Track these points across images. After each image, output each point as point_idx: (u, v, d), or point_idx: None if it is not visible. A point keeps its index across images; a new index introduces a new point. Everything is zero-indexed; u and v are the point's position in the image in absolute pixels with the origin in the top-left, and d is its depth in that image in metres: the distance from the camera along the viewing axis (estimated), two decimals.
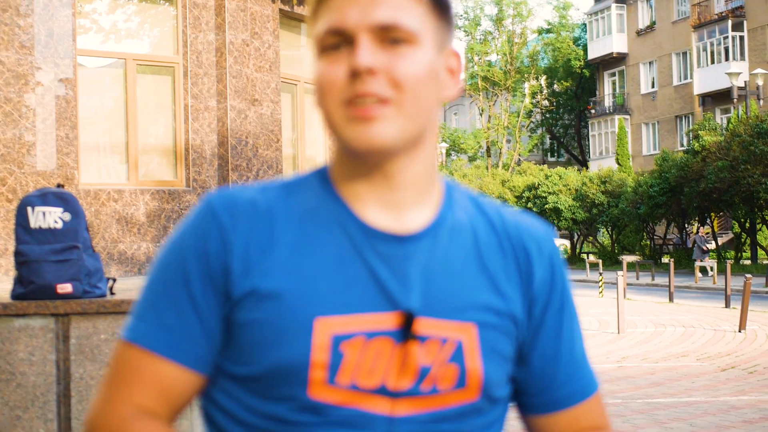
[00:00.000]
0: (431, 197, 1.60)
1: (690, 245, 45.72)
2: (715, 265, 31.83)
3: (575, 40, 67.25)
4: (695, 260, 33.22)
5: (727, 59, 51.21)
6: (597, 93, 63.81)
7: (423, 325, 1.52)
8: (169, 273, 1.54)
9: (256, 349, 1.50)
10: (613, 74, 62.16)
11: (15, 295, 5.44)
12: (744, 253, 42.99)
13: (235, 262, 1.50)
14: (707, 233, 33.76)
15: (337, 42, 1.50)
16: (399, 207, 1.56)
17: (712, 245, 35.43)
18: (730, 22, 51.09)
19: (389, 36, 1.49)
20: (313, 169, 1.64)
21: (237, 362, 1.52)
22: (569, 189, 49.34)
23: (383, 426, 1.50)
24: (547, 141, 73.02)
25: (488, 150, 69.03)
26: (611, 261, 46.76)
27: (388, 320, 1.51)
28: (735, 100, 39.81)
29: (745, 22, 51.06)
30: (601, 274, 29.05)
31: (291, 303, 1.49)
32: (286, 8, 12.23)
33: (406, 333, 1.51)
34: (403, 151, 1.53)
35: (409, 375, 1.51)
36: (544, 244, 1.67)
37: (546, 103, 69.86)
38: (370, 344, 1.49)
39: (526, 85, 68.50)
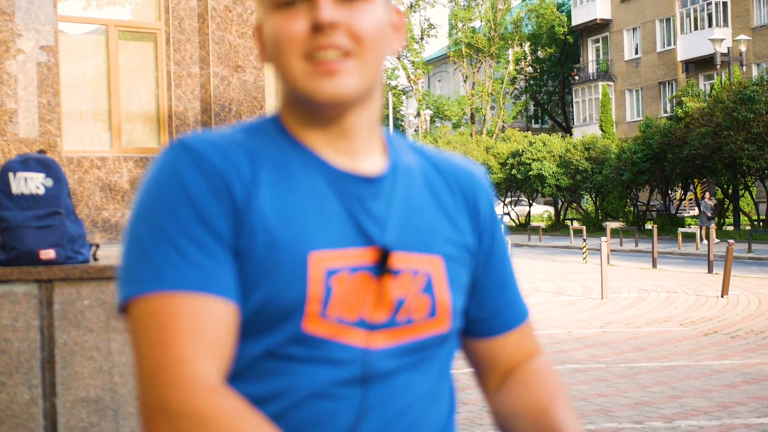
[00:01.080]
0: (377, 144, 1.67)
1: (673, 211, 45.91)
2: (698, 231, 31.93)
3: (559, 6, 67.07)
4: (701, 226, 33.20)
5: (710, 26, 51.19)
6: (581, 59, 63.75)
7: (396, 259, 1.59)
8: (177, 216, 1.49)
9: (254, 284, 1.51)
10: (597, 41, 62.09)
11: None
12: (727, 219, 43.14)
13: (238, 197, 1.52)
14: (711, 200, 33.71)
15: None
16: (353, 153, 1.62)
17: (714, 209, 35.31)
18: None
19: None
20: (259, 117, 1.68)
21: None
22: (553, 156, 49.36)
23: (359, 357, 1.55)
24: (531, 108, 72.98)
25: (472, 117, 68.96)
26: (595, 227, 46.88)
27: (367, 255, 1.57)
28: (718, 66, 39.84)
29: None
30: (585, 240, 29.14)
31: (284, 238, 1.52)
32: None
33: (382, 267, 1.57)
34: (359, 102, 1.59)
35: (385, 307, 1.57)
36: (483, 181, 1.79)
37: (530, 69, 69.75)
38: (353, 278, 1.55)
39: (510, 51, 68.34)
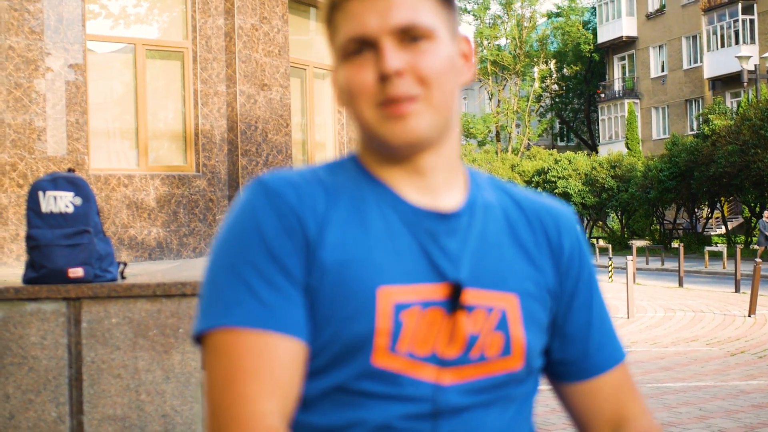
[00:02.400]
0: (459, 180, 1.68)
1: (699, 230, 45.65)
2: (725, 249, 31.75)
3: (585, 24, 67.03)
4: (759, 246, 32.70)
5: (737, 43, 51.01)
6: (606, 77, 63.62)
7: (470, 296, 1.59)
8: (250, 253, 1.53)
9: (324, 319, 1.53)
10: (623, 58, 61.95)
11: (27, 280, 5.46)
12: (754, 238, 42.88)
13: (310, 234, 1.54)
14: None
15: (359, 48, 1.58)
16: (432, 190, 1.64)
17: None
18: (740, 6, 50.87)
19: (409, 35, 1.57)
20: (340, 157, 1.71)
21: None
22: (578, 174, 49.26)
23: (429, 393, 1.56)
24: (557, 125, 72.87)
25: (497, 135, 68.92)
26: (621, 246, 46.72)
27: (439, 291, 1.57)
28: (745, 83, 39.66)
29: (755, 6, 50.83)
30: (610, 258, 29.03)
31: (353, 273, 1.54)
32: None
33: (455, 303, 1.57)
34: (435, 140, 1.61)
35: (458, 343, 1.58)
36: (570, 220, 1.77)
37: (555, 87, 69.69)
38: (425, 314, 1.56)
39: (536, 69, 68.32)
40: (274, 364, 1.49)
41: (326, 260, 1.54)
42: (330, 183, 1.61)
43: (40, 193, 5.49)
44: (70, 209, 5.52)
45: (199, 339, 1.55)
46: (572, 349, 1.76)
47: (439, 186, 1.64)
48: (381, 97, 1.56)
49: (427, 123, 1.57)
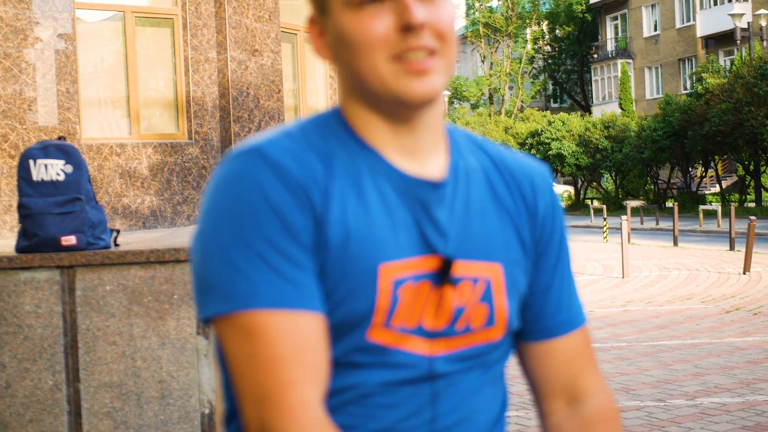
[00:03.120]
0: (441, 141, 1.65)
1: (694, 189, 45.69)
2: (720, 208, 31.80)
3: None
4: None
5: (730, 1, 50.83)
6: (599, 37, 63.44)
7: (457, 268, 1.58)
8: (264, 229, 1.47)
9: (326, 295, 1.50)
10: (615, 18, 61.77)
11: (19, 248, 5.46)
12: (748, 196, 42.95)
13: (317, 208, 1.50)
14: None
15: None
16: (419, 153, 1.60)
17: None
18: None
19: None
20: (319, 113, 1.64)
21: None
22: (572, 135, 49.23)
23: (424, 365, 1.56)
24: (550, 87, 72.74)
25: (491, 97, 68.80)
26: (615, 206, 46.76)
27: (428, 264, 1.56)
28: (738, 41, 39.58)
29: None
30: (605, 219, 29.08)
31: (356, 250, 1.51)
32: None
33: (443, 276, 1.56)
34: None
35: (444, 316, 1.57)
36: (545, 179, 1.75)
37: (548, 48, 69.50)
38: (415, 287, 1.54)
39: (528, 30, 68.10)
40: (310, 346, 1.46)
41: (331, 236, 1.50)
42: (323, 149, 1.56)
43: (31, 162, 5.48)
44: (62, 177, 5.50)
45: (212, 320, 1.49)
46: (531, 308, 1.74)
47: (425, 148, 1.61)
48: (399, 48, 1.50)
49: (442, 80, 1.54)
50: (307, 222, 1.48)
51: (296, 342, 1.44)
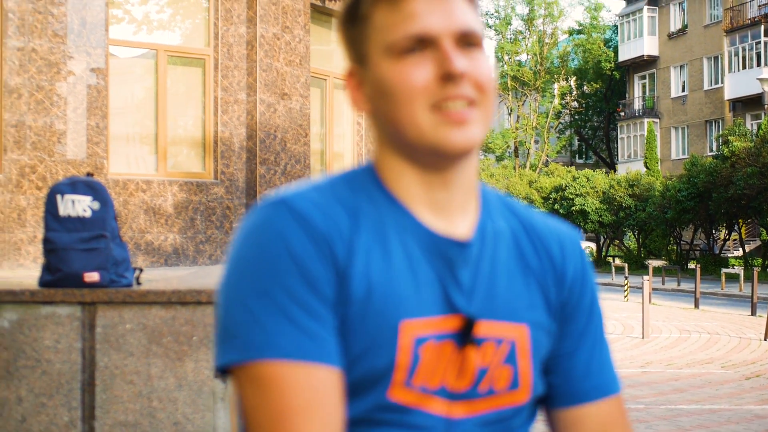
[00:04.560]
0: (472, 201, 1.63)
1: (717, 251, 45.44)
2: (742, 272, 31.61)
3: (606, 42, 66.97)
4: None
5: (759, 65, 50.84)
6: (627, 95, 63.51)
7: (480, 328, 1.56)
8: (284, 279, 1.46)
9: (345, 350, 1.48)
10: (644, 77, 61.84)
11: (42, 283, 5.46)
12: None
13: (340, 262, 1.49)
14: None
15: (414, 46, 1.52)
16: (449, 210, 1.59)
17: None
18: (762, 27, 50.73)
19: (466, 41, 1.53)
20: (353, 168, 1.64)
21: None
22: (596, 191, 49.15)
23: (441, 427, 1.54)
24: (576, 143, 72.76)
25: (516, 150, 68.89)
26: (637, 265, 46.56)
27: (451, 323, 1.54)
28: (766, 105, 39.47)
29: None
30: (626, 278, 28.94)
31: (378, 306, 1.49)
32: (318, 2, 12.23)
33: (466, 336, 1.54)
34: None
35: (467, 377, 1.55)
36: (575, 245, 1.73)
37: (575, 104, 69.61)
38: (437, 346, 1.52)
39: (556, 85, 68.28)
40: (324, 399, 1.44)
41: (353, 290, 1.48)
42: (350, 203, 1.55)
43: (59, 197, 5.49)
44: (88, 213, 5.51)
45: (228, 368, 1.48)
46: (557, 371, 1.71)
47: (456, 206, 1.59)
48: (438, 97, 1.50)
49: (480, 131, 1.53)
50: (329, 274, 1.47)
51: (309, 395, 1.43)
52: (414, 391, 1.51)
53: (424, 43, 1.51)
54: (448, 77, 1.49)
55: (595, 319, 1.73)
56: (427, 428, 1.52)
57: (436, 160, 1.54)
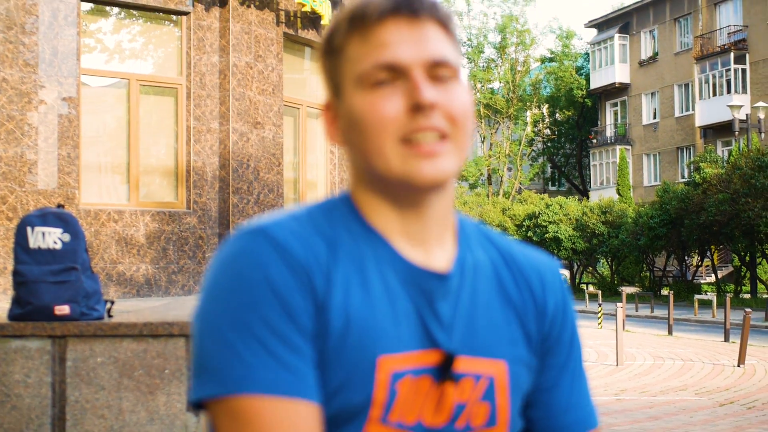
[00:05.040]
0: (449, 231, 1.61)
1: (689, 278, 45.62)
2: (715, 298, 31.72)
3: (578, 70, 67.39)
4: None
5: (729, 92, 51.30)
6: (599, 123, 63.88)
7: (459, 363, 1.53)
8: (263, 310, 1.42)
9: (322, 384, 1.45)
10: (615, 104, 62.25)
11: (12, 316, 5.40)
12: (744, 287, 42.90)
13: (319, 293, 1.46)
14: None
15: (385, 77, 1.49)
16: (426, 241, 1.56)
17: None
18: (732, 55, 51.23)
19: (438, 72, 1.50)
20: (330, 198, 1.61)
21: None
22: (569, 219, 49.32)
23: None
24: (549, 170, 73.06)
25: (489, 178, 69.08)
26: (611, 292, 46.70)
27: (429, 358, 1.51)
28: (736, 132, 39.83)
29: (747, 55, 51.19)
30: (600, 305, 28.99)
31: (355, 340, 1.46)
32: (290, 32, 12.23)
33: (445, 372, 1.51)
34: (440, 186, 1.54)
35: (444, 413, 1.52)
36: (555, 276, 1.71)
37: (548, 132, 69.95)
38: (415, 381, 1.49)
39: (528, 113, 68.59)
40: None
41: (332, 323, 1.46)
42: (328, 233, 1.51)
43: (29, 229, 5.44)
44: (59, 245, 5.46)
45: (203, 402, 1.44)
46: (538, 406, 1.69)
47: (433, 237, 1.56)
48: (408, 128, 1.47)
49: (452, 164, 1.50)
50: (308, 306, 1.43)
51: (286, 429, 1.39)
52: (390, 428, 1.48)
53: (395, 74, 1.49)
54: (417, 108, 1.47)
55: (575, 352, 1.72)
56: None
57: (407, 193, 1.51)
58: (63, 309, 5.41)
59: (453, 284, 1.56)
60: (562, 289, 1.71)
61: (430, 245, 1.56)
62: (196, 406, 1.44)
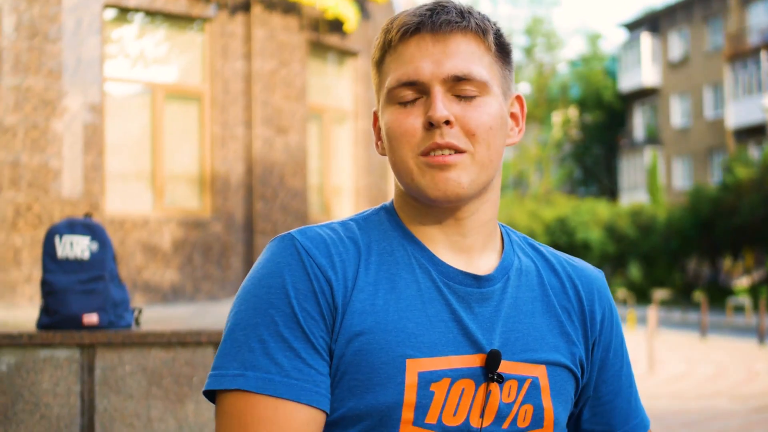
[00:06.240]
0: (495, 241, 1.67)
1: (722, 281, 45.27)
2: (748, 301, 31.44)
3: (607, 71, 67.10)
4: None
5: (760, 91, 50.89)
6: (628, 125, 63.58)
7: (502, 366, 1.58)
8: (274, 313, 1.50)
9: (350, 388, 1.50)
10: (645, 106, 61.93)
11: (40, 325, 5.39)
12: None
13: (337, 300, 1.51)
14: None
15: (409, 92, 1.56)
16: (469, 251, 1.62)
17: None
18: (764, 54, 50.81)
19: (462, 86, 1.55)
20: (376, 207, 1.69)
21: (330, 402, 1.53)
22: (599, 222, 49.07)
23: None
24: (577, 172, 72.79)
25: (517, 181, 68.90)
26: (642, 296, 46.43)
27: (471, 362, 1.55)
28: None
29: None
30: (632, 309, 28.80)
31: (383, 343, 1.50)
32: (314, 37, 12.19)
33: (488, 374, 1.56)
34: (475, 198, 1.59)
35: (490, 414, 1.56)
36: (602, 286, 1.77)
37: (576, 134, 69.68)
38: (455, 385, 1.53)
39: (556, 115, 68.38)
40: (288, 431, 1.45)
41: (354, 327, 1.50)
42: (362, 240, 1.58)
43: (57, 238, 5.43)
44: (86, 255, 5.44)
45: (212, 394, 1.54)
46: (601, 419, 1.75)
47: (475, 247, 1.62)
48: (426, 145, 1.53)
49: (469, 178, 1.54)
50: (321, 311, 1.50)
51: (269, 427, 1.45)
52: (430, 430, 1.52)
53: (419, 90, 1.55)
54: (431, 125, 1.54)
55: (626, 360, 1.78)
56: None
57: (430, 204, 1.59)
58: (91, 318, 5.40)
59: (495, 288, 1.61)
60: (609, 298, 1.77)
61: (473, 254, 1.63)
62: (210, 399, 1.56)
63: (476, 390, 1.55)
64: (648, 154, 58.19)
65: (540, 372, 1.61)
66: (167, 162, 10.87)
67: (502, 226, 1.73)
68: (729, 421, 11.77)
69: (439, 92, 1.53)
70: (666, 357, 19.47)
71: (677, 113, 58.85)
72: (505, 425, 1.57)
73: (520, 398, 1.59)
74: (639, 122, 62.31)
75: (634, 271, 51.97)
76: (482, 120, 1.54)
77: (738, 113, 52.38)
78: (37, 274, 8.00)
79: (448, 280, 1.57)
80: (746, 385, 15.19)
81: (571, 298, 1.69)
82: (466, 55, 1.55)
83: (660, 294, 38.87)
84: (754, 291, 41.93)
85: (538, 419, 1.60)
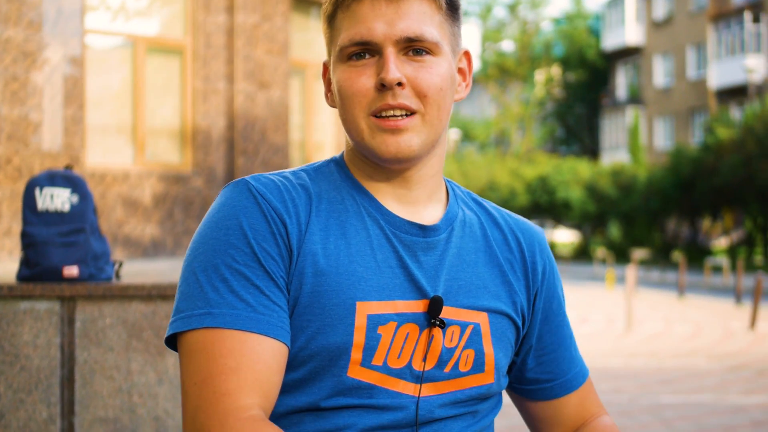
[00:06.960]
0: (440, 194, 1.72)
1: (701, 241, 45.46)
2: (726, 261, 31.63)
3: (590, 30, 66.90)
4: None
5: (743, 52, 50.87)
6: (610, 84, 63.52)
7: (444, 312, 1.64)
8: (234, 254, 1.53)
9: (301, 329, 1.56)
10: (628, 65, 61.85)
11: (21, 277, 5.38)
12: (756, 249, 42.73)
13: (293, 240, 1.56)
14: None
15: (361, 51, 1.58)
16: (415, 203, 1.68)
17: None
18: (748, 15, 50.75)
19: (413, 47, 1.59)
20: (326, 160, 1.73)
21: None
22: (580, 181, 49.14)
23: (411, 406, 1.60)
24: (559, 131, 72.73)
25: (499, 139, 68.84)
26: (621, 255, 46.62)
27: (416, 307, 1.62)
28: (751, 94, 39.56)
29: (762, 16, 50.72)
30: (610, 267, 28.93)
31: (334, 285, 1.56)
32: None
33: (431, 319, 1.62)
34: (423, 156, 1.64)
35: (433, 358, 1.63)
36: (543, 242, 1.84)
37: (559, 92, 69.56)
38: (401, 329, 1.60)
39: (539, 73, 68.21)
40: (256, 361, 1.49)
41: (307, 268, 1.55)
42: (313, 189, 1.63)
43: (37, 190, 5.40)
44: (67, 207, 5.43)
45: (174, 340, 1.57)
46: (546, 368, 1.82)
47: (420, 199, 1.67)
48: (377, 105, 1.57)
49: (420, 139, 1.59)
50: (279, 251, 1.55)
51: (237, 358, 1.49)
52: (375, 372, 1.58)
53: (371, 50, 1.58)
54: (383, 86, 1.57)
55: (564, 312, 1.86)
56: (394, 407, 1.59)
57: (383, 164, 1.64)
58: (71, 270, 5.39)
59: (440, 237, 1.67)
60: (550, 254, 1.84)
61: (419, 205, 1.68)
62: (170, 346, 1.59)
63: (420, 334, 1.61)
64: (630, 114, 58.17)
65: (482, 319, 1.67)
66: (148, 116, 10.83)
67: (448, 181, 1.78)
68: (705, 379, 11.89)
69: (391, 53, 1.56)
70: (644, 316, 19.61)
71: (660, 73, 58.79)
72: (447, 369, 1.64)
73: (462, 343, 1.65)
74: (621, 81, 62.25)
75: (614, 231, 52.15)
76: (433, 81, 1.58)
77: (720, 74, 52.35)
78: (17, 227, 7.98)
79: (395, 229, 1.63)
80: (722, 344, 15.33)
81: (514, 250, 1.76)
82: (418, 16, 1.57)
83: (639, 253, 39.05)
84: (732, 251, 42.18)
85: (479, 364, 1.66)
